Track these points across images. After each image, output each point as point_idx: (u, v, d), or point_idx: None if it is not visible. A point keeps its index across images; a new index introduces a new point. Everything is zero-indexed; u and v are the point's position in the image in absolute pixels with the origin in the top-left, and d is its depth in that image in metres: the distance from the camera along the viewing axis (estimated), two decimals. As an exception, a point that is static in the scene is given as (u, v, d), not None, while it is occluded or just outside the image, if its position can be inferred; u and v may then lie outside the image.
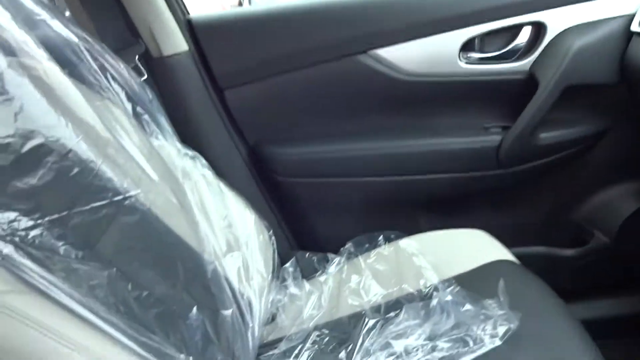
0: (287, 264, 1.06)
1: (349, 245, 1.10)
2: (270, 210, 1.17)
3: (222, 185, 0.95)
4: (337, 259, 1.08)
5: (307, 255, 1.09)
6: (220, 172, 0.95)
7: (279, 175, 1.14)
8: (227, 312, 0.76)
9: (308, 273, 1.07)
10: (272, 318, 1.03)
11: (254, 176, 1.16)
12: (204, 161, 0.91)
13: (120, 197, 0.61)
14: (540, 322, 0.84)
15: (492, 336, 0.81)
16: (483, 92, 1.08)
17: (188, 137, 0.87)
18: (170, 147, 0.80)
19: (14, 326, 0.47)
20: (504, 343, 0.81)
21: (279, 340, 0.96)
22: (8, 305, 0.46)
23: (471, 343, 0.82)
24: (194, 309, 0.69)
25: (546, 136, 1.08)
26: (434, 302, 0.91)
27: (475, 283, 0.93)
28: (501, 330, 0.82)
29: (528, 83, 1.04)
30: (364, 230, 1.11)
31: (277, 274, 1.05)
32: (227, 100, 1.09)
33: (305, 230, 1.22)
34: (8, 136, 0.50)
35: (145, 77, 1.01)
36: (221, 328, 0.74)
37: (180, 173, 0.80)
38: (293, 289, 1.04)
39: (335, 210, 1.19)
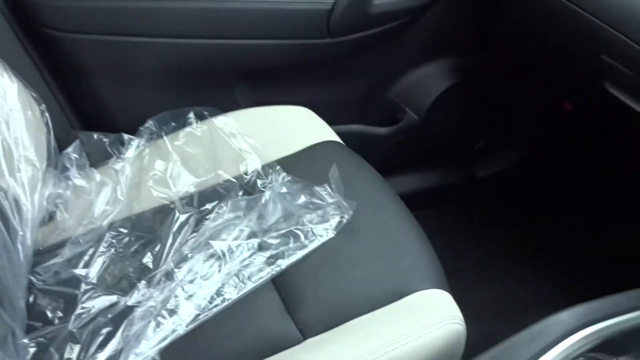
0: (69, 149, 0.83)
1: (150, 123, 0.90)
2: (42, 78, 0.88)
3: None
4: (135, 141, 0.87)
5: (95, 136, 0.86)
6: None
7: (49, 28, 0.85)
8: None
9: (98, 159, 0.86)
10: (50, 217, 0.81)
11: (15, 29, 0.84)
12: None
13: None
14: (372, 208, 0.78)
15: (325, 228, 0.73)
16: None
17: None
18: None
19: None
20: (337, 234, 0.73)
21: (61, 244, 0.77)
22: None
23: (302, 237, 0.73)
24: None
25: (380, 3, 0.97)
26: (258, 191, 0.79)
27: (301, 167, 0.83)
28: (334, 221, 0.74)
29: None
30: (168, 105, 0.92)
31: (55, 162, 0.81)
32: None
33: (91, 105, 0.96)
34: None
35: None
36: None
37: None
38: (78, 180, 0.83)
39: (131, 79, 0.95)
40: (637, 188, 1.18)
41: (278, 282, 0.70)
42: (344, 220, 0.74)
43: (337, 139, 0.92)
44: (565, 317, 0.56)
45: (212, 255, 0.71)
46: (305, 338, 0.65)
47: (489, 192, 1.31)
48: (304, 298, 0.68)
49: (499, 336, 0.57)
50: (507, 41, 1.11)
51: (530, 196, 1.28)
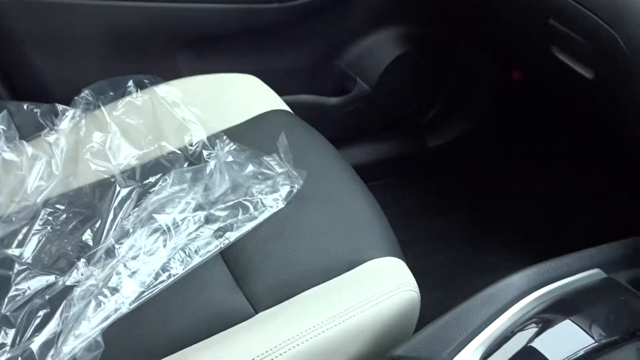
0: (-5, 120, 0.77)
1: (85, 92, 0.84)
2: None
3: None
4: (70, 112, 0.82)
5: (25, 107, 0.80)
6: None
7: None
8: None
9: (29, 132, 0.80)
10: (-22, 195, 0.75)
11: None
12: None
13: None
14: (323, 177, 0.76)
15: (275, 199, 0.71)
16: None
17: None
18: None
19: None
20: (287, 205, 0.71)
21: (-8, 224, 0.71)
22: None
23: (251, 208, 0.70)
24: None
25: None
26: (204, 161, 0.75)
27: (249, 137, 0.80)
28: (284, 191, 0.71)
29: None
30: (105, 74, 0.86)
31: (-20, 135, 0.75)
32: None
33: (20, 73, 0.89)
34: None
35: None
36: None
37: None
38: (7, 154, 0.77)
39: (64, 44, 0.89)
40: (587, 155, 1.21)
41: (227, 256, 0.67)
42: (294, 190, 0.72)
43: (286, 107, 0.89)
44: (517, 279, 0.56)
45: (156, 230, 0.67)
46: (257, 312, 0.63)
47: (440, 161, 1.31)
48: (254, 271, 0.65)
49: (453, 302, 0.56)
50: (456, 7, 1.10)
51: (481, 165, 1.30)
